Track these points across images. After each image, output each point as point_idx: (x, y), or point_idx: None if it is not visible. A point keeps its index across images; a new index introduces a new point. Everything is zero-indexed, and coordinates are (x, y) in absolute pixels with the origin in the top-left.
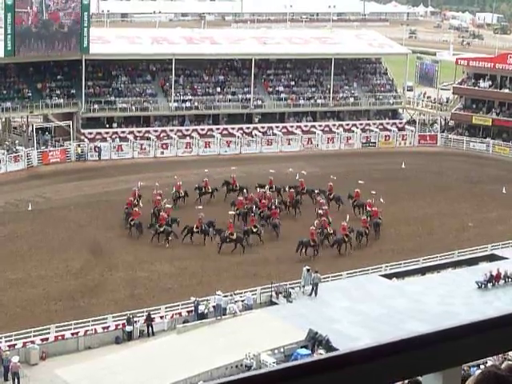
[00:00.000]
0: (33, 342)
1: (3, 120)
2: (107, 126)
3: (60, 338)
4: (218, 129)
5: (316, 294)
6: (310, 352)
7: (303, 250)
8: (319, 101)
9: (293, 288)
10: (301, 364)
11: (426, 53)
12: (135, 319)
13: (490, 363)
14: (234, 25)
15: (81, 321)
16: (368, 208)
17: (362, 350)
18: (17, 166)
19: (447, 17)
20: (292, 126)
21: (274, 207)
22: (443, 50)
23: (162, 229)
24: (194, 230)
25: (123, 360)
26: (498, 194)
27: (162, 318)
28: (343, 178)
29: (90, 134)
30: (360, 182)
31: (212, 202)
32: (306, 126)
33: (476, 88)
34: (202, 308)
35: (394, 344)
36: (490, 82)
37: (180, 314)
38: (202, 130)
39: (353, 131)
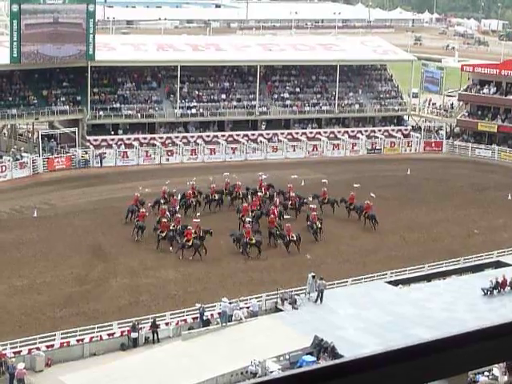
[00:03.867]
0: (38, 349)
1: (9, 127)
2: (112, 132)
3: (65, 344)
4: (223, 135)
5: (321, 301)
6: (315, 359)
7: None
8: (324, 107)
9: (298, 295)
10: (306, 371)
11: (431, 59)
12: (140, 326)
13: (495, 370)
14: (240, 32)
15: (86, 327)
16: (366, 210)
17: (367, 357)
18: (22, 173)
19: (452, 23)
20: (297, 133)
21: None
22: (448, 57)
23: (164, 235)
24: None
25: (128, 367)
26: (503, 200)
27: (167, 324)
28: (348, 184)
29: (96, 140)
30: (355, 185)
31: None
32: (311, 132)
33: (481, 94)
34: (207, 314)
35: (400, 351)
36: (496, 89)
37: (185, 320)
38: (208, 136)
39: (358, 138)
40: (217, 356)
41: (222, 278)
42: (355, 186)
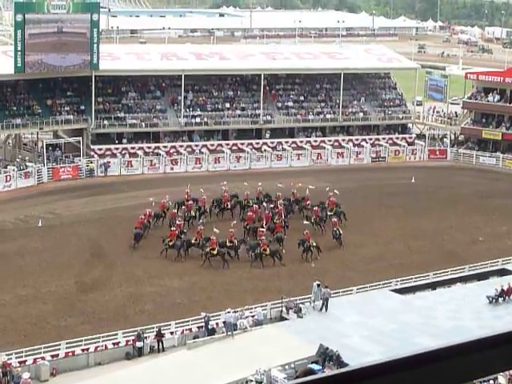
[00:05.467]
0: (43, 359)
1: (13, 136)
2: (117, 141)
3: (70, 354)
4: (227, 144)
5: (326, 309)
6: (320, 367)
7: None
8: (328, 116)
9: (303, 303)
10: (312, 380)
11: (435, 67)
12: (145, 335)
13: (500, 378)
14: (243, 40)
15: (91, 337)
16: (330, 205)
17: (373, 365)
18: (27, 183)
19: (456, 31)
20: (301, 141)
21: (280, 221)
22: (452, 65)
23: (215, 252)
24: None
25: (133, 376)
26: (508, 208)
27: (172, 333)
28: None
29: (100, 150)
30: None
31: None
32: (315, 141)
33: (485, 102)
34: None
35: (405, 359)
36: (500, 96)
37: (190, 329)
38: (212, 145)
39: (362, 146)
40: (222, 365)
41: (227, 286)
42: (310, 187)
